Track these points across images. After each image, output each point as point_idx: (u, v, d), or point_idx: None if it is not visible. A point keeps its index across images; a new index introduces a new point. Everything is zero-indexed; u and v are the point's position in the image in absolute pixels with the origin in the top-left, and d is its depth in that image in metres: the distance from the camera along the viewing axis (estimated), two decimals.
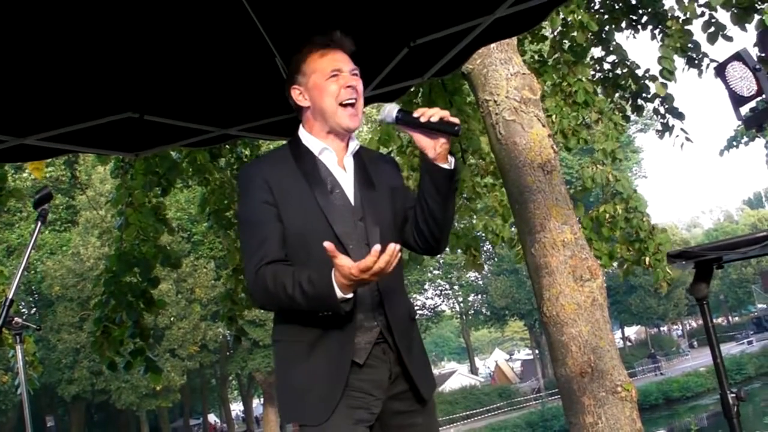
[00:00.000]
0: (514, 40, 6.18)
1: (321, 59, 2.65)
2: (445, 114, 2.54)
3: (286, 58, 3.76)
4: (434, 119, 2.53)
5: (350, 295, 2.37)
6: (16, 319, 3.60)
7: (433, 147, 2.56)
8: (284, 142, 2.83)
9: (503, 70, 5.99)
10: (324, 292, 2.35)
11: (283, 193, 2.56)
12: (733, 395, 2.67)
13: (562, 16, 8.32)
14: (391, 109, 2.64)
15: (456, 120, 2.55)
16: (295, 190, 2.57)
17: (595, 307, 5.52)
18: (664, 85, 8.80)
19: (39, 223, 3.12)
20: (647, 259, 9.09)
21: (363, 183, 2.67)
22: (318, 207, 2.54)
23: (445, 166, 2.59)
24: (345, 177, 2.66)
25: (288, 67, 2.80)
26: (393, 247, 2.28)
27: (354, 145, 2.72)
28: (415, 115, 2.56)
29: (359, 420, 2.52)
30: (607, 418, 5.33)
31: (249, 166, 2.82)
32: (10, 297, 2.98)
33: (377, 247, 2.26)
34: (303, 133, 2.72)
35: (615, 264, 9.59)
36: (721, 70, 3.33)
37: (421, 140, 2.57)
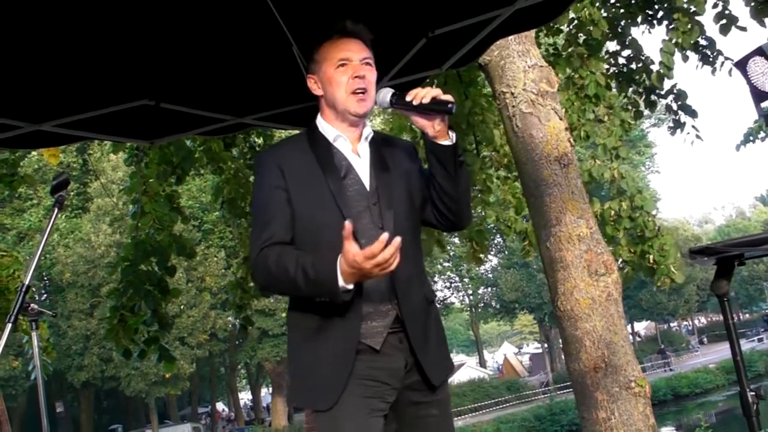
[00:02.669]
0: (532, 32, 6.15)
1: (331, 48, 2.67)
2: (437, 93, 2.53)
3: (303, 46, 3.75)
4: (426, 100, 2.52)
5: (350, 286, 2.37)
6: (32, 305, 3.61)
7: (432, 126, 2.56)
8: (298, 131, 2.83)
9: (521, 62, 5.96)
10: (326, 278, 2.36)
11: (295, 179, 2.58)
12: (753, 393, 2.64)
13: (572, 15, 8.27)
14: (384, 94, 2.64)
15: (448, 97, 2.54)
16: (308, 175, 2.59)
17: (609, 302, 5.49)
18: (660, 78, 8.73)
19: (56, 210, 3.11)
20: (651, 257, 9.01)
21: (378, 167, 2.67)
22: (330, 192, 2.55)
23: (446, 142, 2.59)
24: (360, 163, 2.67)
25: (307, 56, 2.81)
26: (398, 242, 2.28)
27: (368, 132, 2.74)
28: (408, 98, 2.55)
29: (373, 409, 2.52)
30: (620, 414, 5.31)
31: (264, 152, 2.82)
32: (27, 283, 2.97)
33: (385, 235, 2.26)
34: (319, 121, 2.74)
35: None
36: (742, 65, 3.29)
37: (419, 121, 2.58)
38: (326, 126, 2.71)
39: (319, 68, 2.68)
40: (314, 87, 2.72)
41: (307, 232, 2.54)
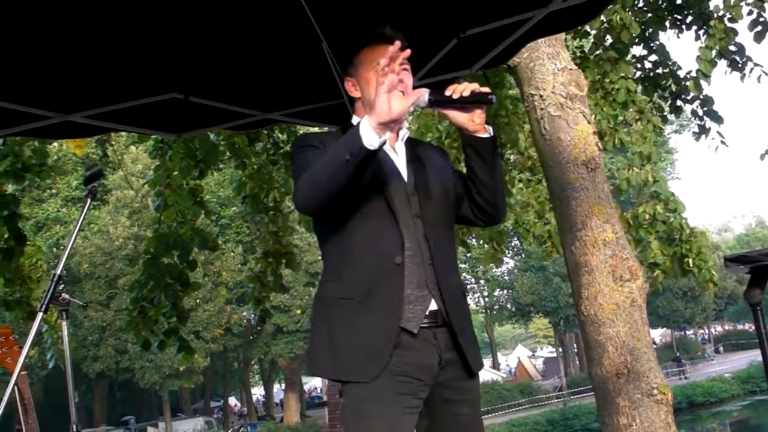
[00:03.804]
0: (562, 34, 6.10)
1: (370, 53, 2.74)
2: (475, 86, 2.55)
3: (333, 43, 3.74)
4: (466, 93, 2.54)
5: (384, 136, 2.37)
6: (63, 295, 3.62)
7: (471, 120, 2.58)
8: (321, 129, 2.87)
9: (550, 65, 5.91)
10: (355, 131, 2.37)
11: None
12: None
13: (603, 18, 8.23)
14: (422, 94, 2.63)
15: (487, 89, 2.56)
16: None
17: (633, 308, 5.44)
18: (697, 85, 8.68)
19: (89, 200, 3.12)
20: (690, 260, 8.96)
21: (414, 163, 2.73)
22: (370, 172, 2.52)
23: (486, 135, 2.62)
24: (397, 158, 2.73)
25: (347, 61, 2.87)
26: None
27: (404, 133, 2.80)
28: (447, 93, 2.56)
29: (406, 407, 2.52)
30: (642, 421, 5.26)
31: (304, 134, 2.90)
32: (58, 273, 3.00)
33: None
34: (355, 120, 2.79)
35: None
36: None
37: (458, 117, 2.59)
38: None
39: (357, 71, 2.76)
40: (352, 89, 2.79)
41: (345, 205, 2.55)
